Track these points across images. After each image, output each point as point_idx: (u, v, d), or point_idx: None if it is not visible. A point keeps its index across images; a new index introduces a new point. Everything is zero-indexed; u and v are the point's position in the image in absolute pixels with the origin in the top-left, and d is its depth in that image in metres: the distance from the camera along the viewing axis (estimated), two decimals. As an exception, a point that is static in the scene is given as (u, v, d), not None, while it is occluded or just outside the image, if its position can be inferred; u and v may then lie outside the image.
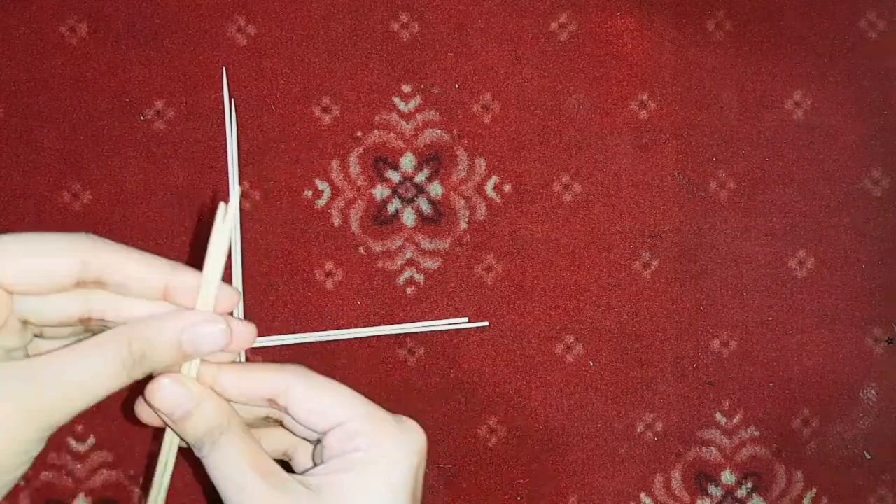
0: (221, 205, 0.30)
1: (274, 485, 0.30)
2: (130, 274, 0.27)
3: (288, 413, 0.32)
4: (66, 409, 0.26)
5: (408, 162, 0.54)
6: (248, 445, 0.31)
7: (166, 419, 0.31)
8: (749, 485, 0.55)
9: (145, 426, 0.52)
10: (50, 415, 0.26)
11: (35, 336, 0.29)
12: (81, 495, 0.51)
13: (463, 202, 0.54)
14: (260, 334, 0.54)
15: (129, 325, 0.28)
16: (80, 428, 0.51)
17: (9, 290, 0.26)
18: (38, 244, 0.26)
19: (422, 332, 0.54)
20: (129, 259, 0.27)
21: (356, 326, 0.53)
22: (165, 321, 0.28)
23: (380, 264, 0.54)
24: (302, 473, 0.32)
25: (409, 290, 0.54)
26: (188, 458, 0.33)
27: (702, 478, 0.55)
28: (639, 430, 0.55)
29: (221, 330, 0.29)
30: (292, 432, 0.34)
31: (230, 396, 0.32)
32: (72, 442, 0.51)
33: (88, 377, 0.27)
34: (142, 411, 0.32)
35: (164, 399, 0.30)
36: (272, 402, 0.32)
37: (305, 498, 0.30)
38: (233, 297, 0.31)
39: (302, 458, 0.35)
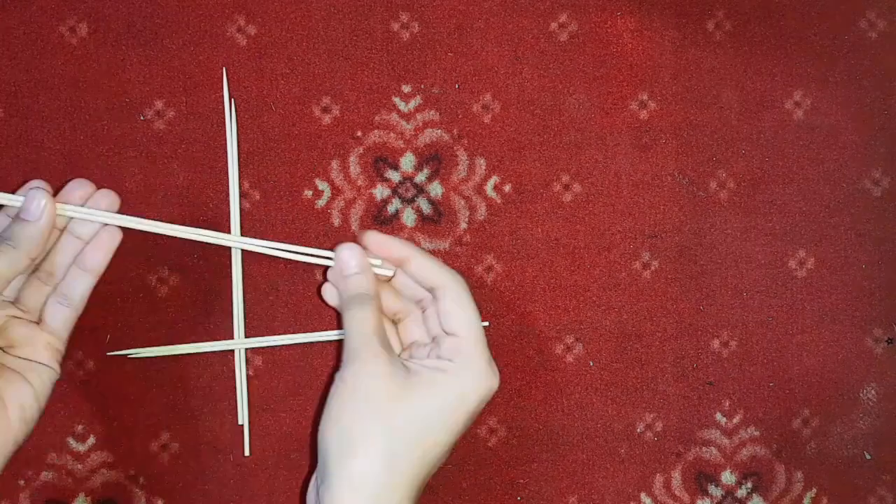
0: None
1: (382, 349, 0.41)
2: None
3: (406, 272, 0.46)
4: None
5: (408, 162, 0.54)
6: (378, 316, 0.42)
7: (338, 275, 0.45)
8: (749, 485, 0.55)
9: (145, 426, 0.52)
10: None
11: None
12: (81, 495, 0.51)
13: (463, 202, 0.54)
14: (260, 334, 0.55)
15: None
16: (80, 428, 0.51)
17: None
18: None
19: (422, 332, 0.54)
20: None
21: (356, 326, 0.53)
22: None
23: (380, 264, 0.54)
24: (411, 358, 0.45)
25: (409, 290, 0.54)
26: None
27: (702, 478, 0.55)
28: (639, 430, 0.55)
29: (39, 191, 0.43)
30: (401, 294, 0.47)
31: (375, 251, 0.46)
32: (72, 442, 0.51)
33: None
34: (326, 288, 0.47)
35: (342, 259, 0.44)
36: (398, 263, 0.46)
37: (397, 370, 0.41)
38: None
39: (409, 327, 0.47)
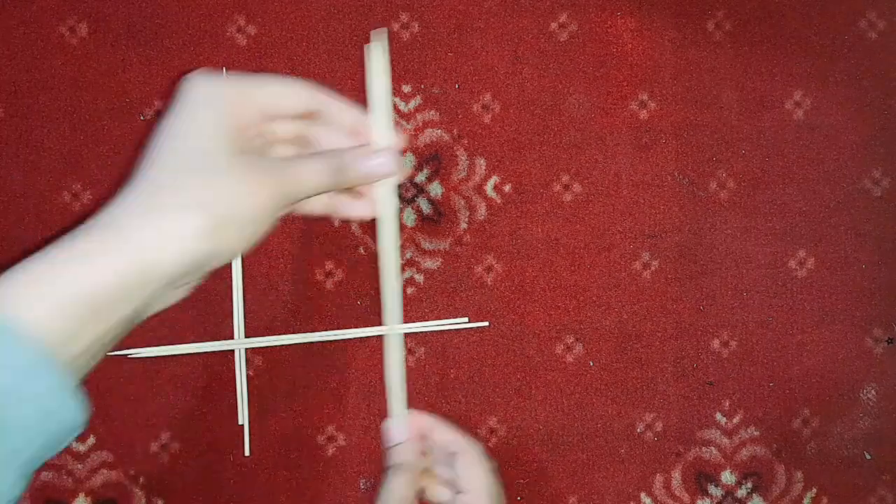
0: (367, 48, 0.39)
1: None
2: (333, 112, 0.39)
3: None
4: (296, 191, 0.37)
5: (408, 162, 0.54)
6: (410, 485, 0.43)
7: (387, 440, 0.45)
8: (749, 485, 0.55)
9: (145, 426, 0.52)
10: (286, 192, 0.36)
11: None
12: (81, 495, 0.51)
13: (463, 202, 0.54)
14: (260, 334, 0.55)
15: (336, 150, 0.38)
16: (80, 428, 0.51)
17: (266, 114, 0.37)
18: (283, 84, 0.37)
19: (422, 332, 0.54)
20: (334, 101, 0.39)
21: (356, 326, 0.53)
22: (357, 152, 0.38)
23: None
24: None
25: (409, 290, 0.54)
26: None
27: (702, 478, 0.55)
28: (639, 430, 0.55)
29: (389, 160, 0.38)
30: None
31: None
32: (72, 442, 0.51)
33: (310, 173, 0.37)
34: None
35: (390, 430, 0.44)
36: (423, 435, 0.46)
37: None
38: (395, 137, 0.40)
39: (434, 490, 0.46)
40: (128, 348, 0.51)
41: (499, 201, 0.54)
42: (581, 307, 0.54)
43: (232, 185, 0.34)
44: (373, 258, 0.54)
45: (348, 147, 0.39)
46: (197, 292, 0.52)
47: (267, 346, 0.53)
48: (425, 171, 0.54)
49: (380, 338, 0.53)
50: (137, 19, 0.53)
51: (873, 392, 0.56)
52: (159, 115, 0.53)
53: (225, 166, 0.35)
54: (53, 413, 0.30)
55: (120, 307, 0.32)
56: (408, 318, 0.53)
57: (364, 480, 0.53)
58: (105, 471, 0.51)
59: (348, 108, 0.39)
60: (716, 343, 0.55)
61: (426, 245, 0.54)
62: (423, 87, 0.54)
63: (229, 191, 0.34)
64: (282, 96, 0.38)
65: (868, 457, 0.56)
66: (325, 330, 0.53)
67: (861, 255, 0.56)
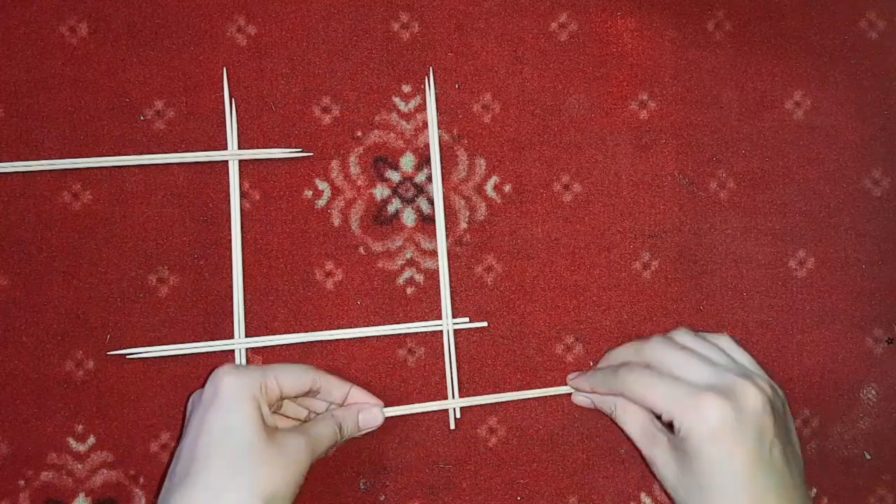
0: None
1: None
2: (331, 388, 0.50)
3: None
4: (319, 449, 0.47)
5: (408, 162, 0.54)
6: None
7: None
8: (749, 485, 0.55)
9: (145, 426, 0.52)
10: (314, 451, 0.46)
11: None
12: (81, 495, 0.51)
13: (463, 202, 0.54)
14: (260, 334, 0.55)
15: (331, 412, 0.49)
16: (80, 428, 0.51)
17: (284, 395, 0.47)
18: (293, 371, 0.48)
19: (422, 332, 0.54)
20: (330, 381, 0.50)
21: (356, 326, 0.53)
22: (352, 409, 0.50)
23: (380, 264, 0.54)
24: None
25: (409, 290, 0.54)
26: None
27: (702, 478, 0.55)
28: (639, 430, 0.55)
29: (380, 411, 0.51)
30: None
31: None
32: (72, 442, 0.51)
33: (325, 431, 0.47)
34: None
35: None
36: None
37: None
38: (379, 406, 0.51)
39: None
40: (128, 348, 0.51)
41: (499, 201, 0.55)
42: (581, 307, 0.54)
43: (276, 465, 0.43)
44: (372, 257, 0.54)
45: (340, 408, 0.50)
46: (197, 292, 0.52)
47: (267, 346, 0.53)
48: (425, 171, 0.54)
49: (380, 338, 0.53)
50: (137, 19, 0.53)
51: (873, 392, 0.56)
52: (160, 115, 0.53)
53: (267, 450, 0.43)
54: None
55: None
56: (408, 318, 0.54)
57: (364, 480, 0.53)
58: (105, 471, 0.51)
59: (340, 384, 0.50)
60: (716, 343, 0.55)
61: (426, 245, 0.54)
62: (423, 87, 0.54)
63: (274, 471, 0.43)
64: (296, 382, 0.47)
65: (868, 457, 0.56)
66: (325, 330, 0.53)
67: (861, 255, 0.56)
